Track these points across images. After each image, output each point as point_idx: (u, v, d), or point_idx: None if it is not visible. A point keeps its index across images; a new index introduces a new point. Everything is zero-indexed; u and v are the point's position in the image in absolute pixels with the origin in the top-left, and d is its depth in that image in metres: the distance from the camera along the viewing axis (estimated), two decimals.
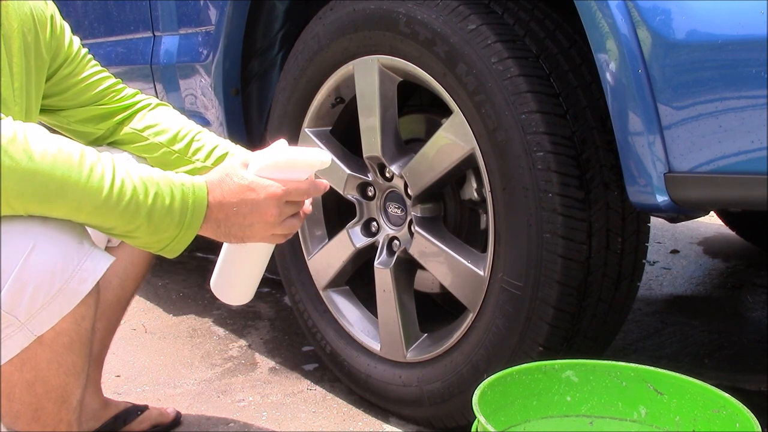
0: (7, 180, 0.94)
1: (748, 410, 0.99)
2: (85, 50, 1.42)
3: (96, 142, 1.44)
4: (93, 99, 1.41)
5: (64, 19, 1.40)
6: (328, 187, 1.19)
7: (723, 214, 2.82)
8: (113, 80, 1.45)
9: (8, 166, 0.93)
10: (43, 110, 1.38)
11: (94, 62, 1.43)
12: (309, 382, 1.84)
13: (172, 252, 1.08)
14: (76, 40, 1.40)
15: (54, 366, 1.05)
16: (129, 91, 1.47)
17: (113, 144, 1.45)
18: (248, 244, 1.15)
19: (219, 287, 1.25)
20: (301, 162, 1.11)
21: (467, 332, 1.44)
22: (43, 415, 1.07)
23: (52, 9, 1.34)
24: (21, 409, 1.06)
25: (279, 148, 1.12)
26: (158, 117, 1.44)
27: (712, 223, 3.17)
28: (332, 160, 1.65)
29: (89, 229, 1.07)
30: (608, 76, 1.13)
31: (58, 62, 1.35)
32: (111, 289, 1.48)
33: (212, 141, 1.42)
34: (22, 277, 0.98)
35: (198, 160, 1.39)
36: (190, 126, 1.44)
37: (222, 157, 1.38)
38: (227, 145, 1.42)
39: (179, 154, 1.40)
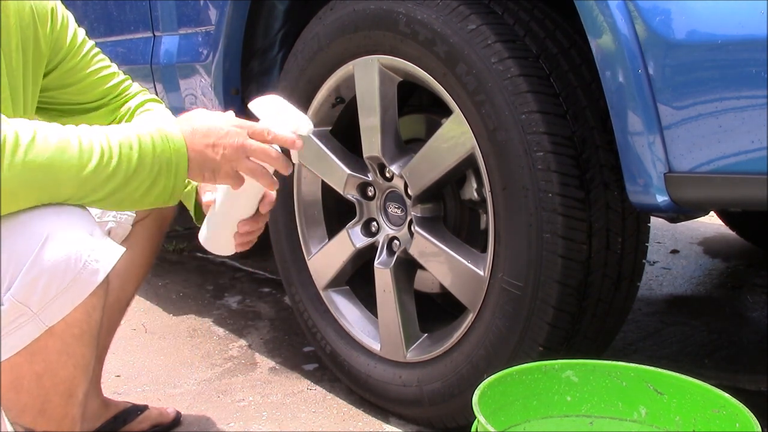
0: (15, 177, 0.96)
1: (748, 410, 0.99)
2: (91, 43, 1.39)
3: None
4: (98, 96, 1.41)
5: None
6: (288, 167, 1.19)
7: (723, 214, 2.82)
8: (121, 77, 1.44)
9: (13, 164, 0.95)
10: (45, 108, 1.37)
11: (101, 56, 1.42)
12: (309, 382, 1.84)
13: (173, 199, 1.10)
14: (81, 32, 1.38)
15: (63, 358, 1.05)
16: (134, 89, 1.46)
17: None
18: (232, 195, 1.18)
19: (206, 238, 1.25)
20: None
21: (467, 332, 1.44)
22: (49, 408, 1.07)
23: (54, 1, 1.33)
24: (29, 401, 1.06)
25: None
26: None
27: (712, 223, 3.17)
28: (332, 159, 1.66)
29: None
30: (608, 76, 1.13)
31: (60, 56, 1.34)
32: (111, 290, 1.46)
33: None
34: (36, 267, 0.98)
35: None
36: None
37: None
38: None
39: None
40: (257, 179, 1.13)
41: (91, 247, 1.03)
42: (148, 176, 1.05)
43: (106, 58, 1.44)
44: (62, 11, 1.34)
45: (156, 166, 1.06)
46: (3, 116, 0.99)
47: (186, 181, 1.11)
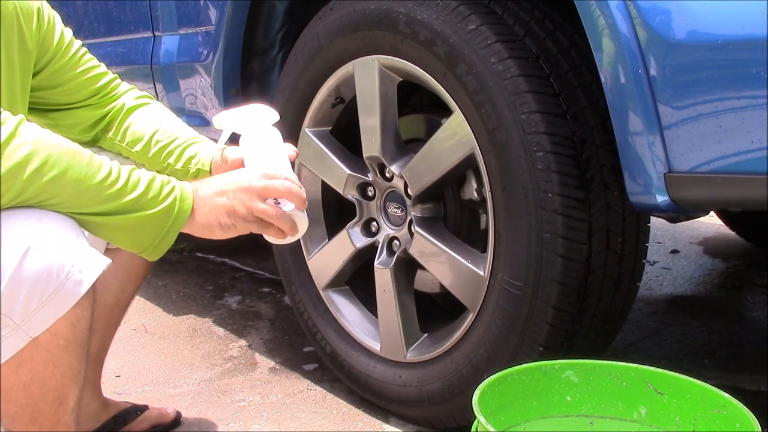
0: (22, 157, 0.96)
1: (748, 410, 0.99)
2: (78, 44, 1.39)
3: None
4: (88, 95, 1.40)
5: (64, 20, 1.38)
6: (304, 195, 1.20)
7: (723, 214, 2.82)
8: (110, 77, 1.44)
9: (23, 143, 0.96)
10: (34, 109, 1.37)
11: (89, 56, 1.41)
12: (309, 382, 1.84)
13: (157, 252, 1.09)
14: (68, 32, 1.37)
15: (50, 368, 1.04)
16: (122, 87, 1.46)
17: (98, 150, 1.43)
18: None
19: None
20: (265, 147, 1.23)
21: (467, 332, 1.44)
22: (40, 417, 1.06)
23: (40, 1, 1.31)
24: (18, 411, 1.05)
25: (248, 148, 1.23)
26: (136, 124, 1.42)
27: (712, 223, 3.17)
28: (332, 159, 1.66)
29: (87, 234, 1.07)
30: (608, 77, 1.13)
31: (48, 56, 1.33)
32: (110, 292, 1.48)
33: (183, 145, 1.39)
34: (18, 278, 0.97)
35: (170, 164, 1.39)
36: (164, 131, 1.41)
37: (190, 159, 1.37)
38: (196, 148, 1.39)
39: (152, 161, 1.40)
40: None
41: (75, 257, 1.01)
42: (143, 214, 1.04)
43: (94, 58, 1.43)
44: (48, 11, 1.33)
45: (157, 212, 1.06)
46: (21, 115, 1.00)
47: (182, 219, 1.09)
